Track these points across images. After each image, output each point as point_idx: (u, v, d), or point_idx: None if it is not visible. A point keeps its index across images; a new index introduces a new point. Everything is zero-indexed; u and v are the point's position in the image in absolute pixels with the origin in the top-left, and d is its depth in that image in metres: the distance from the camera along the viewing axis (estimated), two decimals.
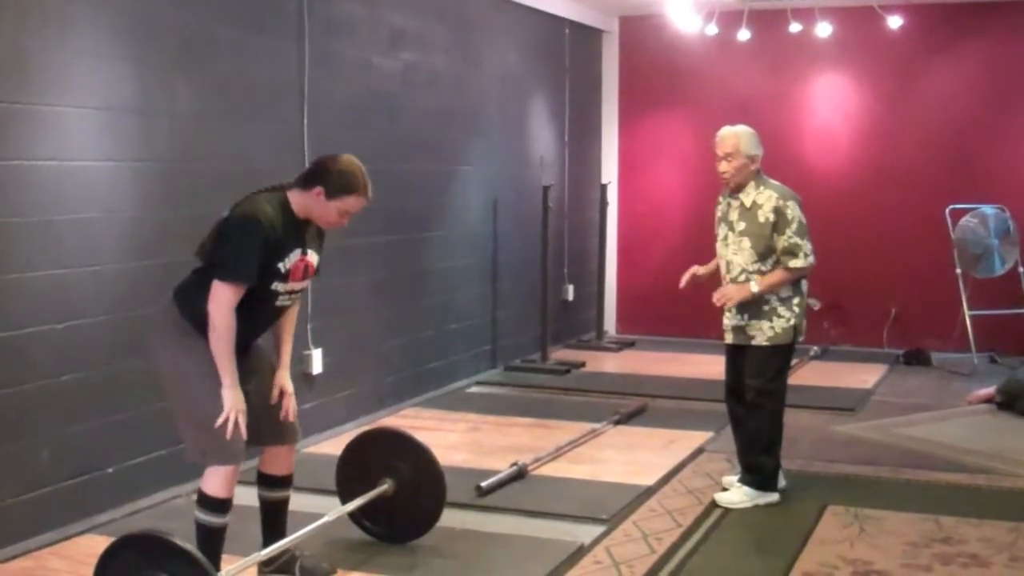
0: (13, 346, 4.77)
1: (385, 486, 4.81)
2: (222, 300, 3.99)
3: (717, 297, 5.54)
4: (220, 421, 4.00)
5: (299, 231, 4.18)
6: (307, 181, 4.16)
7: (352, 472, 4.96)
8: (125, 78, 5.33)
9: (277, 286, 4.13)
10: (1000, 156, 9.83)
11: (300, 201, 4.16)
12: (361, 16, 7.14)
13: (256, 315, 4.17)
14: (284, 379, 4.38)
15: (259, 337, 4.35)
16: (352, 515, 4.87)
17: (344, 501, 4.88)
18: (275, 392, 4.33)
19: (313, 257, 4.27)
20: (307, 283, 4.33)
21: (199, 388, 4.05)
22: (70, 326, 5.03)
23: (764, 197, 5.49)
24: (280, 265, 4.09)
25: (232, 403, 4.02)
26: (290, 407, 4.36)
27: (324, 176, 4.13)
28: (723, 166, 5.53)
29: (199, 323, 4.05)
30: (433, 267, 8.14)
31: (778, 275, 5.48)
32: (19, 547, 4.78)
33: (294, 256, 4.14)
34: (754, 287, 5.45)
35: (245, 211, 4.06)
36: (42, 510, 4.92)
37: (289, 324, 4.43)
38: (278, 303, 4.21)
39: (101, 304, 5.21)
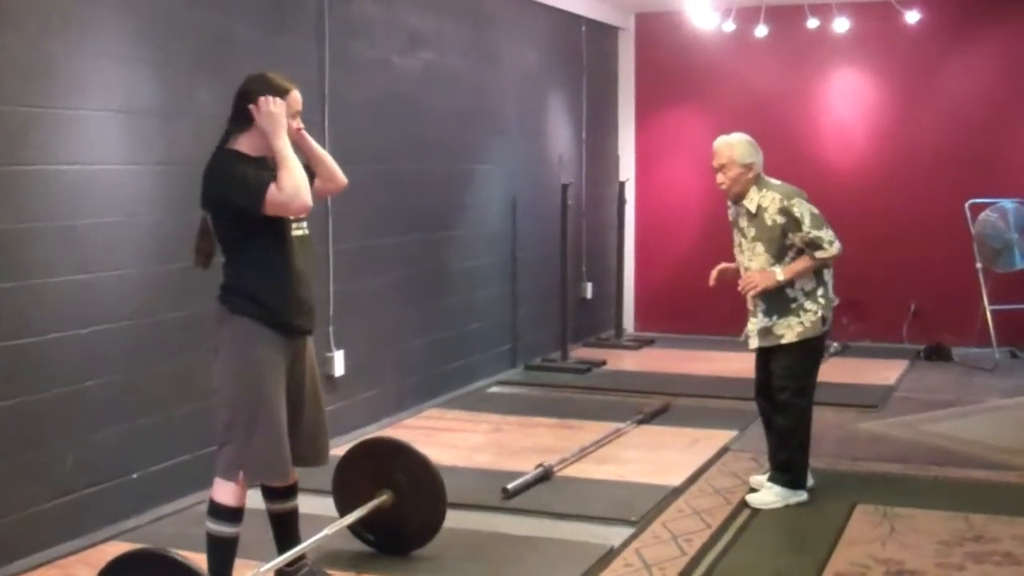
0: (37, 352, 4.75)
1: (384, 497, 4.70)
2: (277, 197, 3.87)
3: (742, 285, 5.48)
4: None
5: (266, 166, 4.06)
6: (241, 116, 4.04)
7: (349, 485, 4.82)
8: (146, 81, 5.31)
9: None
10: (1020, 150, 9.76)
11: (253, 140, 4.04)
12: (380, 17, 7.12)
13: (287, 253, 4.04)
14: None
15: (310, 288, 4.17)
16: (352, 528, 4.76)
17: (343, 514, 4.74)
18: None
19: None
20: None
21: (246, 394, 3.98)
22: (94, 331, 5.01)
23: (768, 200, 5.44)
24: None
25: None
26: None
27: (260, 95, 4.00)
28: (720, 177, 5.54)
29: (249, 295, 3.96)
30: (453, 267, 8.11)
31: (803, 262, 5.41)
32: (45, 555, 4.76)
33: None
34: (779, 275, 5.39)
35: (216, 157, 4.03)
36: (67, 517, 4.90)
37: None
38: (295, 232, 4.09)
39: (124, 309, 5.18)
